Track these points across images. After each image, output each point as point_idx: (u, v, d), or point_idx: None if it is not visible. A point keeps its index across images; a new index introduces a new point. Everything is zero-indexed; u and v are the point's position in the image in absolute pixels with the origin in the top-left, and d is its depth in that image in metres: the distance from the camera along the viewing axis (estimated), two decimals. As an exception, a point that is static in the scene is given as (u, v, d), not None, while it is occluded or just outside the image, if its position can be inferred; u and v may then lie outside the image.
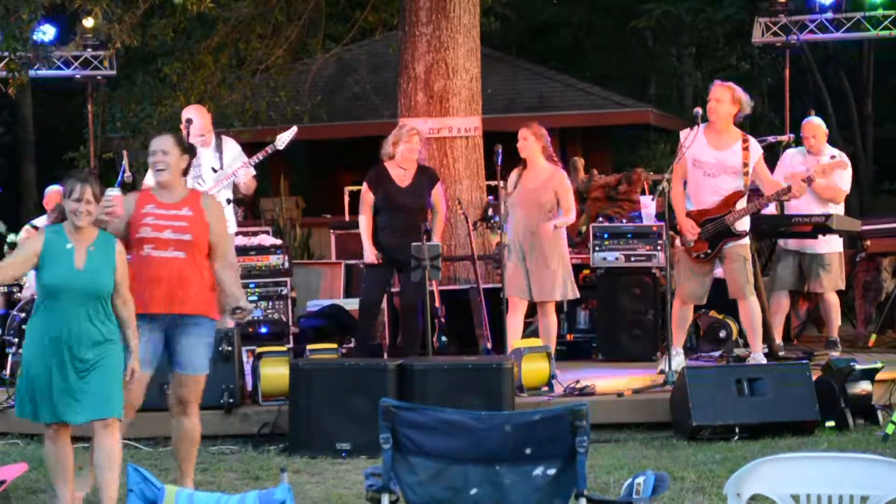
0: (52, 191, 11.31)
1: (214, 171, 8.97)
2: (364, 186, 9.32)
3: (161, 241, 6.28)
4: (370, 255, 9.15)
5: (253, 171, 9.02)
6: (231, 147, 9.11)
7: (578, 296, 9.52)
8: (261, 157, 9.00)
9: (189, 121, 8.98)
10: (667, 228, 8.92)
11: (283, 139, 9.06)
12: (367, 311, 9.32)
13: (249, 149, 9.40)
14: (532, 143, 9.09)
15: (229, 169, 8.93)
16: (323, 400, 7.74)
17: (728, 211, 8.71)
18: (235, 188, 9.07)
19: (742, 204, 8.76)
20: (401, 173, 9.21)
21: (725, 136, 8.72)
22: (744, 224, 8.78)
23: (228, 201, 9.04)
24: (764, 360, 8.79)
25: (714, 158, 8.67)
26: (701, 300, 9.04)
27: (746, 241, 8.83)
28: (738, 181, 8.73)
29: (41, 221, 11.16)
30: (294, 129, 9.18)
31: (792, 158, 9.90)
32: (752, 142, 8.79)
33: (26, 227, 10.98)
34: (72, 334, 5.75)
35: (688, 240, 8.80)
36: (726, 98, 8.71)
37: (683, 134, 8.85)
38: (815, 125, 9.96)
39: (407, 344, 9.26)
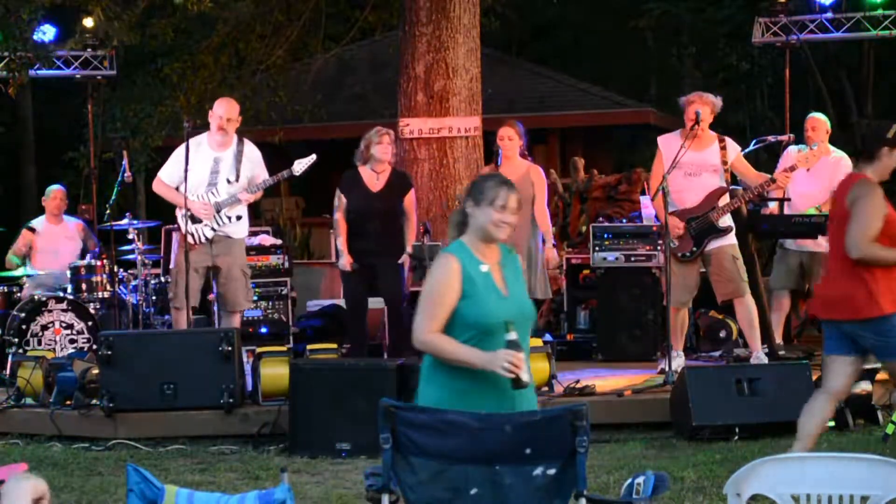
0: (56, 190, 11.32)
1: (229, 182, 8.94)
2: (337, 192, 9.19)
3: None
4: (345, 262, 9.07)
5: (260, 194, 9.05)
6: (251, 157, 9.04)
7: (550, 295, 9.56)
8: (275, 181, 9.03)
9: (189, 121, 9.01)
10: (666, 229, 8.92)
11: (302, 165, 9.05)
12: (355, 313, 9.26)
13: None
14: (515, 142, 9.17)
15: (244, 181, 8.90)
16: (323, 400, 7.75)
17: (711, 208, 8.74)
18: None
19: (725, 200, 8.79)
20: (373, 177, 9.12)
21: (703, 138, 8.79)
22: (727, 220, 8.81)
23: (238, 217, 9.01)
24: (766, 360, 8.78)
25: (693, 158, 8.75)
26: (688, 303, 9.03)
27: (733, 239, 8.84)
28: (718, 179, 8.79)
29: (39, 223, 11.17)
30: (313, 157, 9.11)
31: (793, 155, 9.90)
32: (729, 140, 8.93)
33: (24, 230, 10.99)
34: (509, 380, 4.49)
35: (672, 238, 8.80)
36: (707, 111, 8.81)
37: (662, 141, 8.94)
38: (815, 118, 10.00)
39: (400, 344, 9.22)
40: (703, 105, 8.79)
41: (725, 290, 8.81)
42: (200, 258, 8.89)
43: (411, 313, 9.18)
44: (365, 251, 8.98)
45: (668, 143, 8.89)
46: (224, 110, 8.94)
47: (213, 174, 8.92)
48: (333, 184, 9.51)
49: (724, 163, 8.79)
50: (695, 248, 8.78)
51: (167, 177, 9.03)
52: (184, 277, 8.75)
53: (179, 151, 9.02)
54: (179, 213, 9.00)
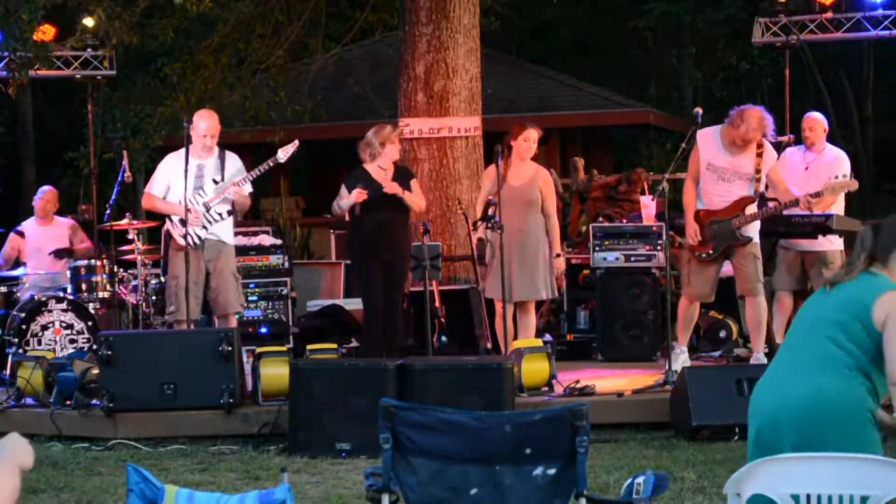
0: (45, 191, 11.31)
1: (215, 182, 8.95)
2: (342, 188, 9.13)
3: None
4: (356, 195, 8.87)
5: (249, 189, 9.02)
6: (233, 162, 9.09)
7: (557, 295, 9.57)
8: (262, 170, 9.01)
9: (189, 121, 8.99)
10: (667, 228, 8.93)
11: (286, 152, 9.04)
12: (373, 311, 9.23)
13: (250, 149, 9.41)
14: (535, 146, 9.18)
15: (229, 181, 8.92)
16: (323, 400, 7.74)
17: (736, 215, 8.75)
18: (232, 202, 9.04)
19: (751, 209, 8.78)
20: (381, 173, 9.12)
21: (745, 147, 8.77)
22: (749, 231, 8.80)
23: (228, 213, 9.02)
24: (765, 360, 8.79)
25: (728, 164, 8.75)
26: (708, 298, 9.05)
27: (756, 240, 8.87)
28: (750, 187, 8.78)
29: (29, 224, 11.17)
30: (296, 143, 9.14)
31: (791, 156, 9.91)
32: (767, 147, 8.88)
33: (11, 234, 10.99)
34: None
35: (690, 240, 8.83)
36: (757, 137, 8.73)
37: (700, 134, 8.88)
38: (812, 118, 9.95)
39: (388, 343, 9.21)
40: (760, 132, 8.70)
41: (743, 286, 8.87)
42: (193, 274, 8.84)
43: (409, 315, 9.19)
44: (376, 245, 8.96)
45: (705, 139, 8.85)
46: (207, 126, 8.94)
47: (198, 178, 8.94)
48: (333, 184, 9.50)
49: (758, 171, 8.77)
50: (711, 252, 8.80)
51: (156, 190, 9.05)
52: (183, 289, 8.76)
53: (162, 166, 9.12)
54: (170, 225, 9.01)
